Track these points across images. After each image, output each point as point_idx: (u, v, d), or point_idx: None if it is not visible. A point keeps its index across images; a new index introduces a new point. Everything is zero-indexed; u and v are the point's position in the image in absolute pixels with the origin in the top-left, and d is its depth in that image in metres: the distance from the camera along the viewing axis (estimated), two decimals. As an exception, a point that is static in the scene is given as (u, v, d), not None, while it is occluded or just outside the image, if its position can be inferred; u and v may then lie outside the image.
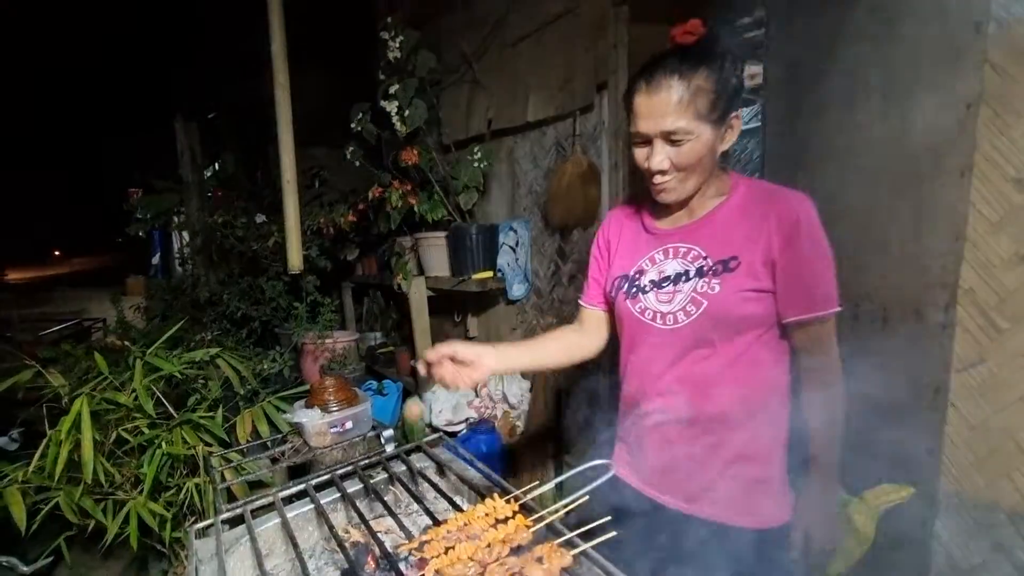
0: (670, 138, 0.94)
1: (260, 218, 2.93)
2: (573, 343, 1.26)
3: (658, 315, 1.05)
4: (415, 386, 2.85)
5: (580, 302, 1.28)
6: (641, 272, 1.10)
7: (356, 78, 3.00)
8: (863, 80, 1.48)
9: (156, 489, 1.81)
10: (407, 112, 2.41)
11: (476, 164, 2.46)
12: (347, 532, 0.90)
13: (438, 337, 3.18)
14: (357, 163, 2.65)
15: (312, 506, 0.97)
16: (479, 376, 1.04)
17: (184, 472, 1.91)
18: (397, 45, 2.36)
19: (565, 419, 2.49)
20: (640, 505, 1.12)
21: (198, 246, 3.29)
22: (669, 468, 1.08)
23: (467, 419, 2.48)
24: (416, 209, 2.51)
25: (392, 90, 2.40)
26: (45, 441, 1.65)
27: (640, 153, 1.01)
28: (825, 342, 1.01)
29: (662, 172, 0.98)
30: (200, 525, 0.91)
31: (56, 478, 1.61)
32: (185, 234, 3.66)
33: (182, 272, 3.62)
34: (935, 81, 1.31)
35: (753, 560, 1.03)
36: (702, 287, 0.99)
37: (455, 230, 2.52)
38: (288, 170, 2.18)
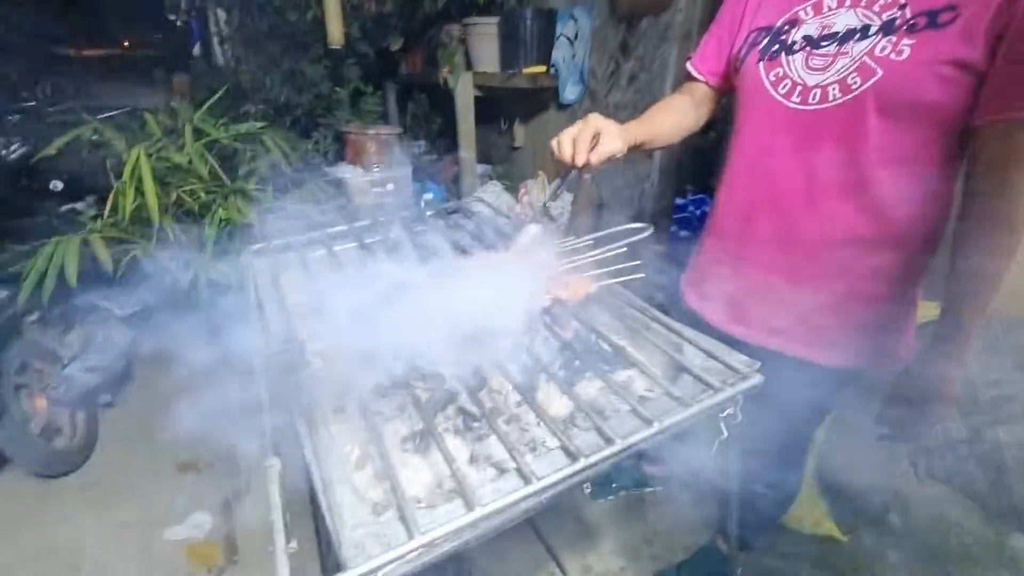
0: None
1: (297, -12, 2.68)
2: (685, 125, 0.97)
3: (798, 88, 0.76)
4: (457, 191, 2.86)
5: (689, 67, 0.97)
6: (794, 23, 0.78)
7: None
8: None
9: (219, 256, 1.96)
10: None
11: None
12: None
13: (482, 146, 3.07)
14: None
15: (355, 244, 1.03)
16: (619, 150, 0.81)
17: (244, 240, 2.05)
18: None
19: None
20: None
21: (235, 24, 3.10)
22: (764, 300, 0.86)
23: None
24: (465, -13, 2.23)
25: None
26: (113, 193, 1.77)
27: None
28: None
29: None
30: (256, 246, 0.98)
31: (125, 225, 1.75)
32: (221, 13, 3.44)
33: (221, 57, 3.50)
34: None
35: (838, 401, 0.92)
36: (883, 49, 0.67)
37: (508, 15, 2.26)
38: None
